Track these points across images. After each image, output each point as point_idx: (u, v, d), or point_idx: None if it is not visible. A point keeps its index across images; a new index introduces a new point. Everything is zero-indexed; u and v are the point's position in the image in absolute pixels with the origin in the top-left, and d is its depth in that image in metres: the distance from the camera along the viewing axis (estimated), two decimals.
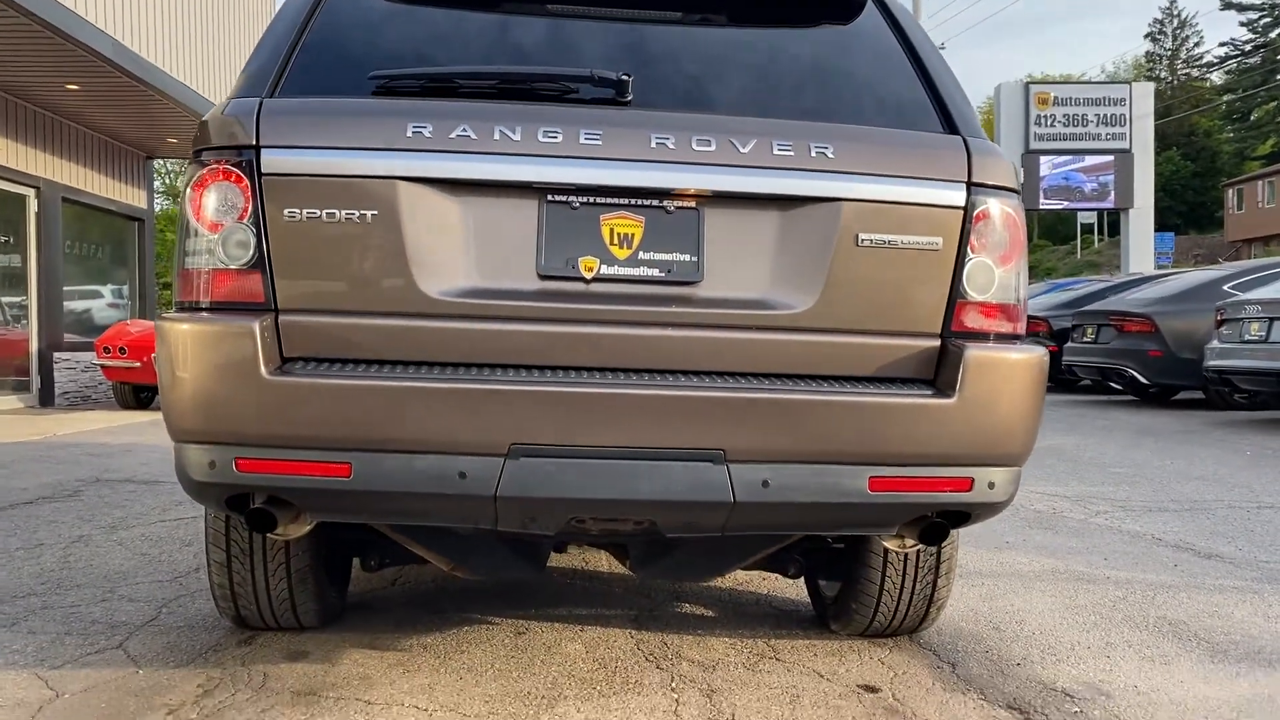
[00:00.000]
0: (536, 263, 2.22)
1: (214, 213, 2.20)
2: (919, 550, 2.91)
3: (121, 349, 11.14)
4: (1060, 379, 12.68)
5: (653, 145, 2.21)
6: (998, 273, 2.34)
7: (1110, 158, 22.62)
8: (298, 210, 2.16)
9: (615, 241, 2.22)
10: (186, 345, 2.14)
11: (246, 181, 2.18)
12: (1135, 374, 10.86)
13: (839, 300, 2.26)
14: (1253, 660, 3.00)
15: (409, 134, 2.18)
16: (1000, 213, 2.34)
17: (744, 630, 3.22)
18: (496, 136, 2.19)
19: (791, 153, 2.25)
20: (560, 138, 2.20)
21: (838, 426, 2.18)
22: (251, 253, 2.18)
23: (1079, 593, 3.72)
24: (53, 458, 7.07)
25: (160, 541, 4.35)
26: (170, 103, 11.54)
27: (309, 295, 2.19)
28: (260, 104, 2.24)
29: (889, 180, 2.28)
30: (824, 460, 2.18)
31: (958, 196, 2.31)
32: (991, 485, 2.27)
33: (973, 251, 2.32)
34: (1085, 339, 11.65)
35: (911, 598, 3.01)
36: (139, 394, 11.79)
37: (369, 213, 2.16)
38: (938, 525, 2.33)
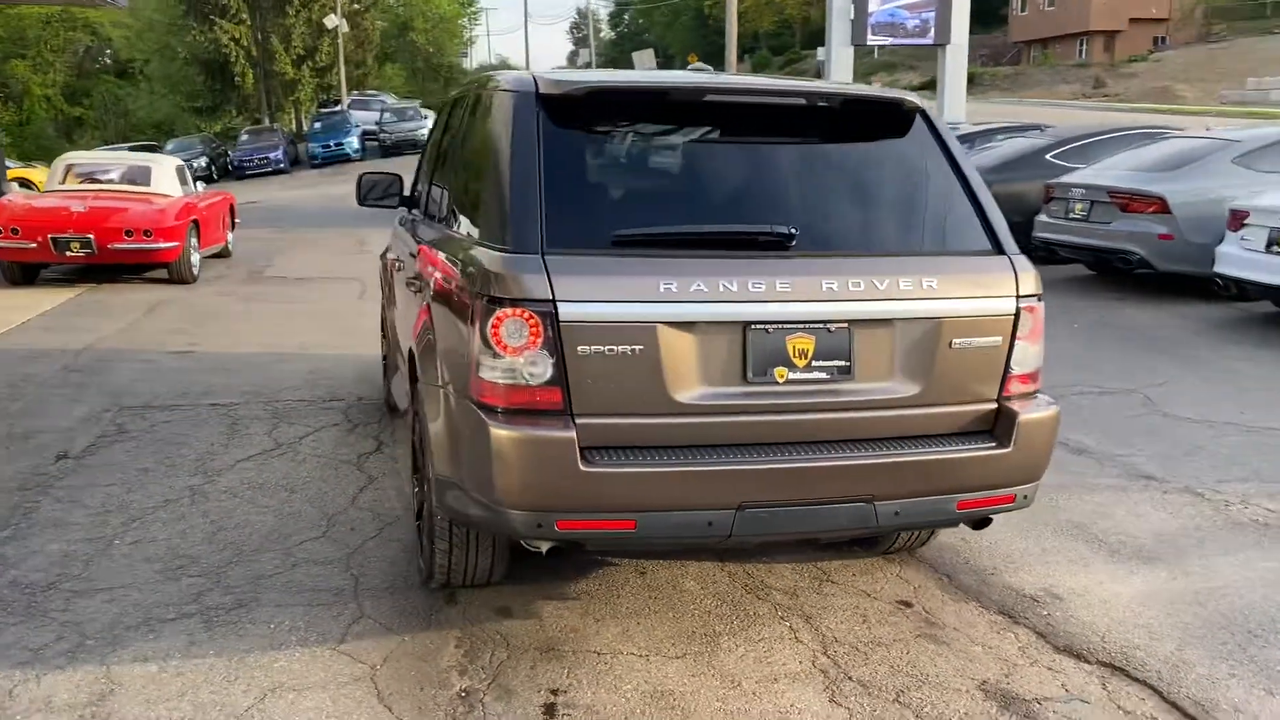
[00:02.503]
0: (744, 373, 3.20)
1: (511, 342, 3.05)
2: None
3: (14, 229, 11.02)
4: None
5: (823, 289, 3.20)
6: (1031, 350, 3.49)
7: None
8: (587, 346, 3.05)
9: (796, 355, 3.22)
10: (522, 447, 3.03)
11: (541, 323, 3.03)
12: None
13: (937, 385, 3.36)
14: (1139, 558, 4.45)
15: (660, 290, 3.08)
16: (1034, 310, 3.46)
17: (794, 553, 4.42)
18: (721, 289, 3.11)
19: (911, 287, 3.28)
20: (764, 287, 3.14)
21: (939, 475, 3.33)
22: (551, 373, 3.06)
23: None
24: (39, 379, 7.41)
25: (266, 489, 5.13)
26: None
27: (595, 404, 3.10)
28: (545, 261, 3.05)
29: (971, 300, 3.36)
30: (932, 494, 3.33)
31: (1011, 305, 3.41)
32: (1025, 497, 3.49)
33: (1018, 339, 3.44)
34: None
35: (917, 532, 4.28)
36: (25, 270, 11.72)
37: (636, 347, 3.07)
38: (987, 519, 3.57)
